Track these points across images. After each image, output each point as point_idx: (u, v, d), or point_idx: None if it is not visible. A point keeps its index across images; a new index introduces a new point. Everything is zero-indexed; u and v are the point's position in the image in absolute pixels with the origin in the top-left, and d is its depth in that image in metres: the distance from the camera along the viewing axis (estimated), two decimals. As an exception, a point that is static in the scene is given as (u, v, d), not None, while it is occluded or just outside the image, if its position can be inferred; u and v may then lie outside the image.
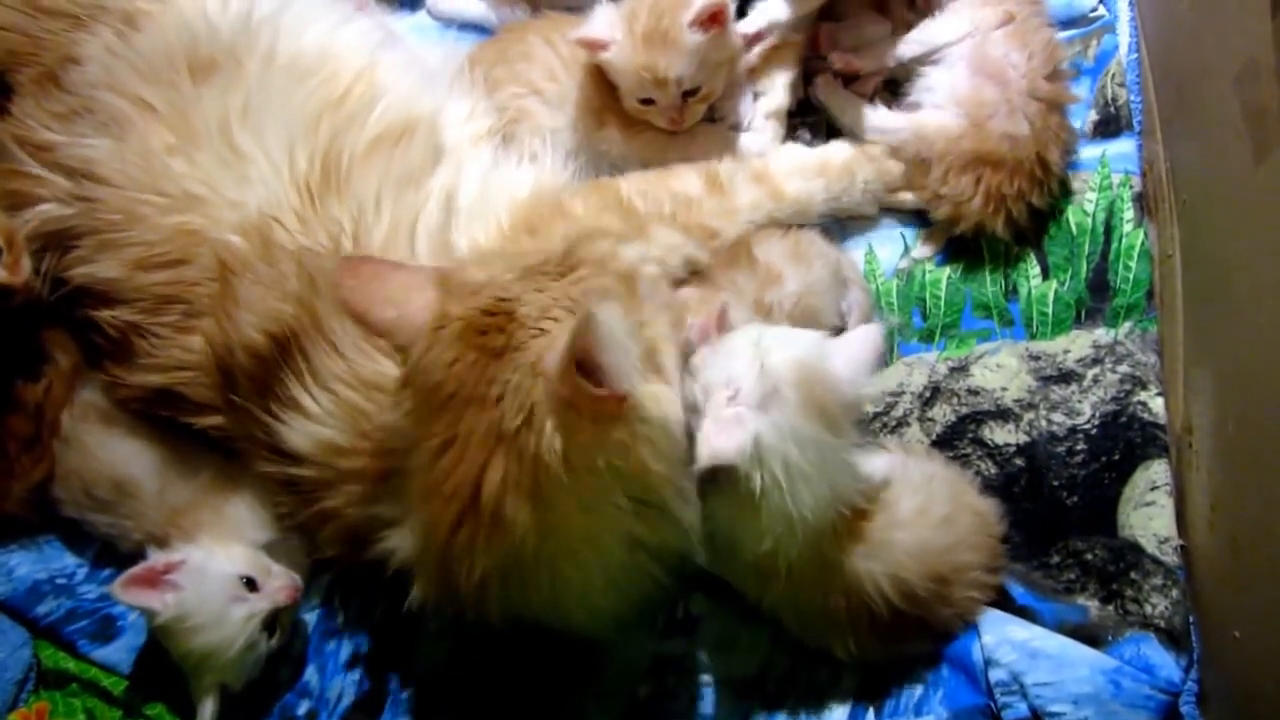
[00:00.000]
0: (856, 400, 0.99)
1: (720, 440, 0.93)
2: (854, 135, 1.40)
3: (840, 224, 1.41)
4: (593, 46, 1.26)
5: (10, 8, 1.24)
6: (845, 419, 0.99)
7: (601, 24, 1.26)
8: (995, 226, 1.34)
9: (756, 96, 1.40)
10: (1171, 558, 1.21)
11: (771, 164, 1.30)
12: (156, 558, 1.14)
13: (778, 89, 1.39)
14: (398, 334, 0.91)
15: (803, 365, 0.96)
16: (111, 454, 1.22)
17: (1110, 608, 1.20)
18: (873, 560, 1.03)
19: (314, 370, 1.05)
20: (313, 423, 1.05)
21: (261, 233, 1.08)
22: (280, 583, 1.15)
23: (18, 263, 1.17)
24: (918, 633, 1.10)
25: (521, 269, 0.91)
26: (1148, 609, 1.19)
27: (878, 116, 1.38)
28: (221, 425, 1.14)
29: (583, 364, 0.81)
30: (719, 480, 0.97)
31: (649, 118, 1.30)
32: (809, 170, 1.31)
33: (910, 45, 1.39)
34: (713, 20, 1.24)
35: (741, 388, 0.95)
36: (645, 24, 1.24)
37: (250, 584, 1.14)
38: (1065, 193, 1.39)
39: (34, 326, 1.26)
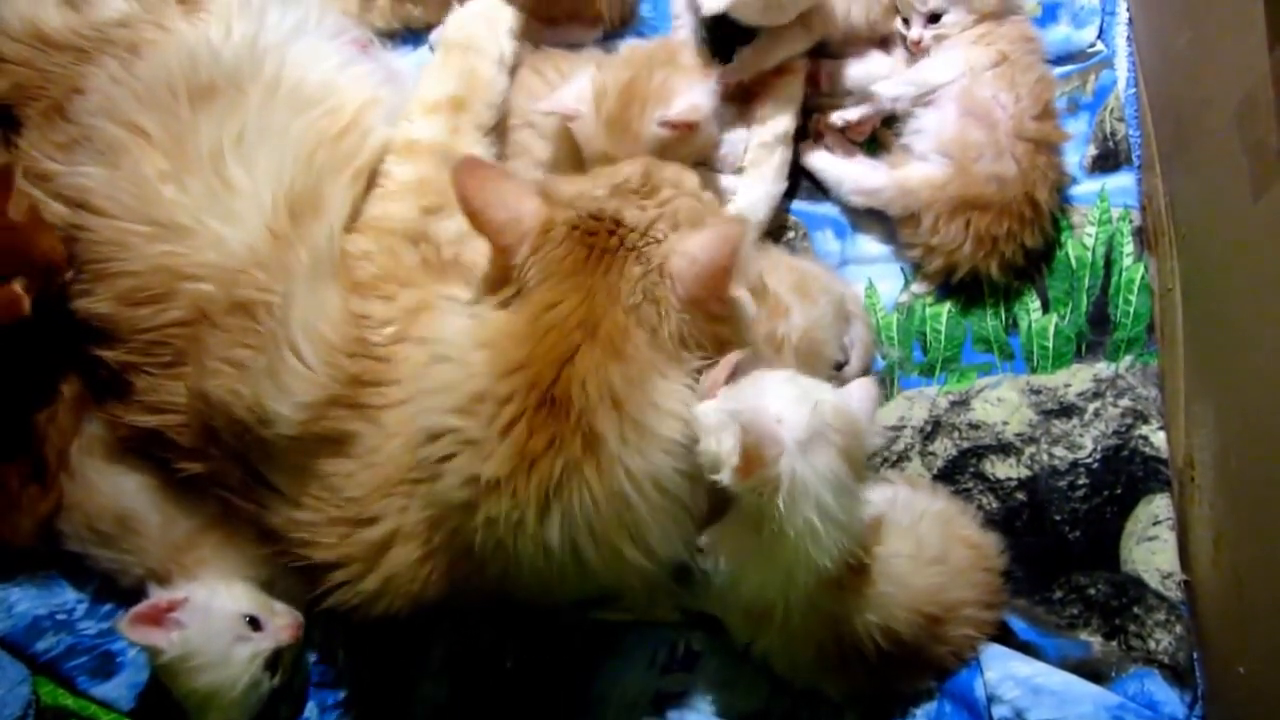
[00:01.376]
0: (871, 447, 1.01)
1: (763, 437, 0.91)
2: (840, 197, 1.41)
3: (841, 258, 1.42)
4: (564, 115, 1.25)
5: (19, 42, 1.24)
6: (863, 466, 0.99)
7: (571, 96, 1.25)
8: (989, 269, 1.35)
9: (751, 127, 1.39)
10: (1175, 593, 1.21)
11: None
12: (160, 595, 1.14)
13: (784, 115, 1.38)
14: (507, 233, 0.98)
15: (845, 414, 0.96)
16: (115, 488, 1.22)
17: (1114, 643, 1.20)
18: (866, 611, 1.03)
19: (273, 452, 1.06)
20: (284, 503, 1.06)
21: (230, 286, 1.08)
22: (284, 621, 1.15)
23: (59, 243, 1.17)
24: (911, 671, 1.10)
25: (608, 185, 1.03)
26: (1151, 644, 1.19)
27: (862, 178, 1.39)
28: (205, 473, 1.13)
29: (727, 272, 0.96)
30: (736, 516, 0.97)
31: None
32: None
33: (905, 86, 1.39)
34: (685, 127, 1.23)
35: (787, 419, 0.93)
36: (611, 108, 1.22)
37: (254, 622, 1.13)
38: (1062, 227, 1.39)
39: (36, 356, 1.26)
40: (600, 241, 0.97)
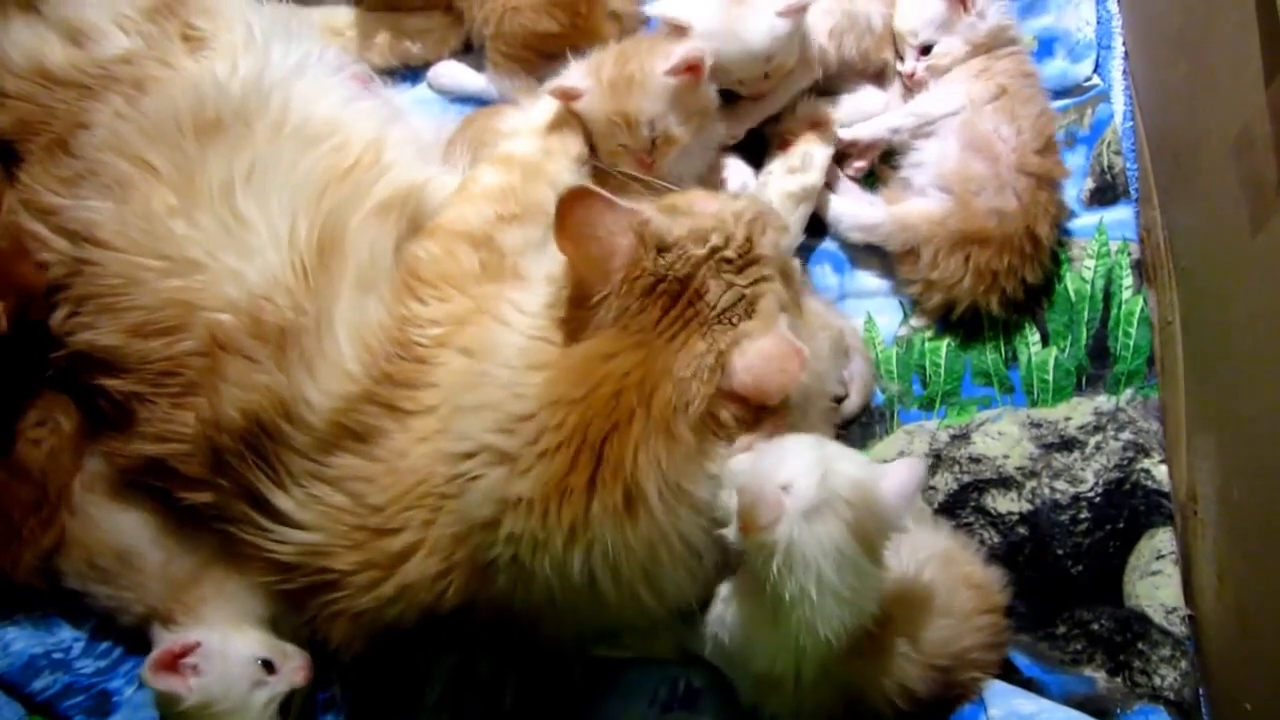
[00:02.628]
0: (895, 530, 0.97)
1: (759, 498, 0.90)
2: (839, 234, 1.41)
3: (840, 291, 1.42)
4: (567, 96, 1.27)
5: (22, 79, 1.26)
6: (882, 547, 0.96)
7: (574, 75, 1.29)
8: (990, 305, 1.35)
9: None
10: (1179, 628, 1.20)
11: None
12: (172, 640, 1.13)
13: (813, 170, 1.38)
14: (595, 271, 0.99)
15: (862, 488, 0.94)
16: (116, 525, 1.22)
17: (1118, 679, 1.19)
18: (879, 672, 1.02)
19: (287, 469, 1.07)
20: (294, 529, 1.06)
21: (252, 313, 1.09)
22: (297, 663, 1.15)
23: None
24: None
25: (708, 246, 1.00)
26: (1156, 680, 1.18)
27: (860, 214, 1.39)
28: (211, 503, 1.13)
29: (774, 396, 0.97)
30: (745, 577, 0.96)
31: (623, 166, 1.30)
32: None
33: (906, 117, 1.40)
34: (689, 70, 1.25)
35: (795, 486, 0.92)
36: (611, 72, 1.26)
37: (267, 666, 1.13)
38: (1061, 260, 1.39)
39: (35, 390, 1.26)
40: (678, 309, 0.98)
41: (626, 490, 0.95)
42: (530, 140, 1.28)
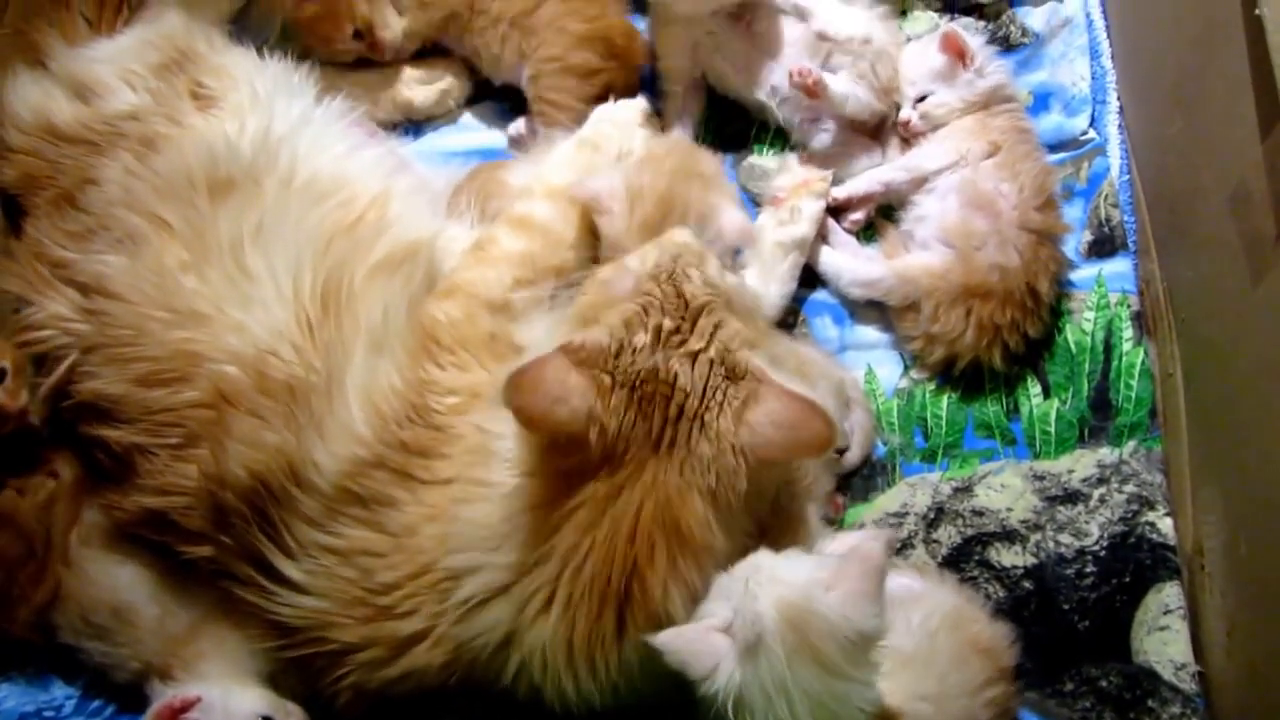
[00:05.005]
0: (861, 636, 0.88)
1: (689, 656, 0.88)
2: (839, 290, 1.42)
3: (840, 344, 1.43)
4: (591, 205, 1.21)
5: (29, 134, 1.27)
6: (848, 658, 0.88)
7: (605, 189, 1.20)
8: (993, 358, 1.35)
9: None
10: (1189, 685, 1.18)
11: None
12: (172, 695, 1.11)
13: (804, 222, 1.39)
14: (575, 424, 0.92)
15: (791, 609, 0.87)
16: (112, 580, 1.20)
17: (1128, 737, 1.17)
18: None
19: (293, 535, 1.05)
20: (299, 594, 1.05)
21: (257, 367, 1.09)
22: None
23: (19, 390, 1.19)
24: None
25: (649, 328, 0.94)
26: (1167, 739, 1.16)
27: (860, 270, 1.40)
28: (212, 558, 1.12)
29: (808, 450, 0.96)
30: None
31: None
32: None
33: (897, 172, 1.42)
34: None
35: (734, 626, 0.88)
36: (648, 213, 1.18)
37: None
38: (1060, 312, 1.40)
39: (37, 443, 1.25)
40: (660, 409, 0.93)
41: (657, 621, 0.92)
42: (549, 204, 1.24)
